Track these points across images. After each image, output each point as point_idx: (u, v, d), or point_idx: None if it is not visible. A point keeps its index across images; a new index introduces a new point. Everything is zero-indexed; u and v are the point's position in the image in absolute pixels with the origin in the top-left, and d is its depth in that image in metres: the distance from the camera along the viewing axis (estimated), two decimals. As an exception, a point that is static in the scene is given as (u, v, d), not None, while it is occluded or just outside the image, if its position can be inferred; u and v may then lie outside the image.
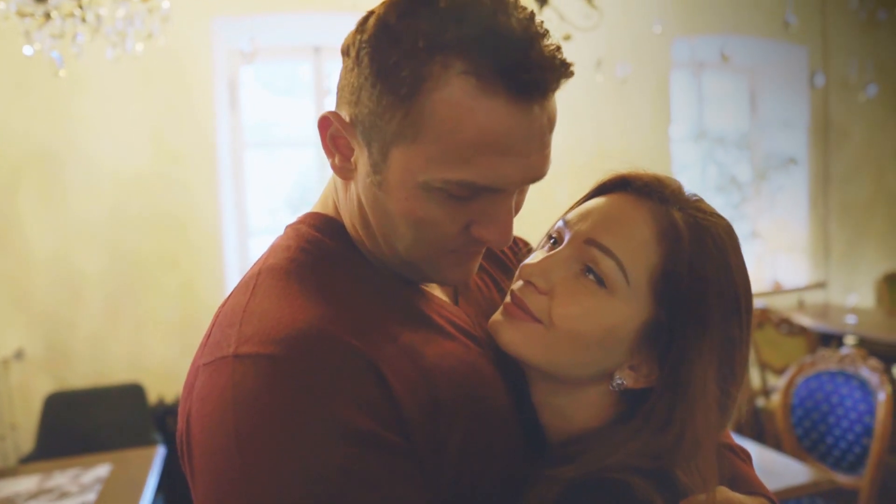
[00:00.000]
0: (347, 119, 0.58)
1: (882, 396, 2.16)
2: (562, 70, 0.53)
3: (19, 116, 2.94)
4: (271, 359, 0.52)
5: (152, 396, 3.03)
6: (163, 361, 3.09)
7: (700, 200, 0.63)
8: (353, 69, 0.56)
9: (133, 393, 2.87)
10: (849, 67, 4.07)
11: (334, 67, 3.75)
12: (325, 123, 0.59)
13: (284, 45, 3.70)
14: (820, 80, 2.91)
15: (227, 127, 3.41)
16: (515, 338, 0.62)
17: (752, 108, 4.70)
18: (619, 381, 0.61)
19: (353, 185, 0.62)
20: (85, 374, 2.99)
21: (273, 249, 0.65)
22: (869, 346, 3.13)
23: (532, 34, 0.52)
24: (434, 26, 0.52)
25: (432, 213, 0.57)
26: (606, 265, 0.59)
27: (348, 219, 0.65)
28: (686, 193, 0.63)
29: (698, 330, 0.58)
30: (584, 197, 0.67)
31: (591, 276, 0.60)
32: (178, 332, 3.11)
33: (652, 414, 0.58)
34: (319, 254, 0.63)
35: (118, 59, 1.99)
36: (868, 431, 2.18)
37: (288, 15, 3.36)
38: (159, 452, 2.33)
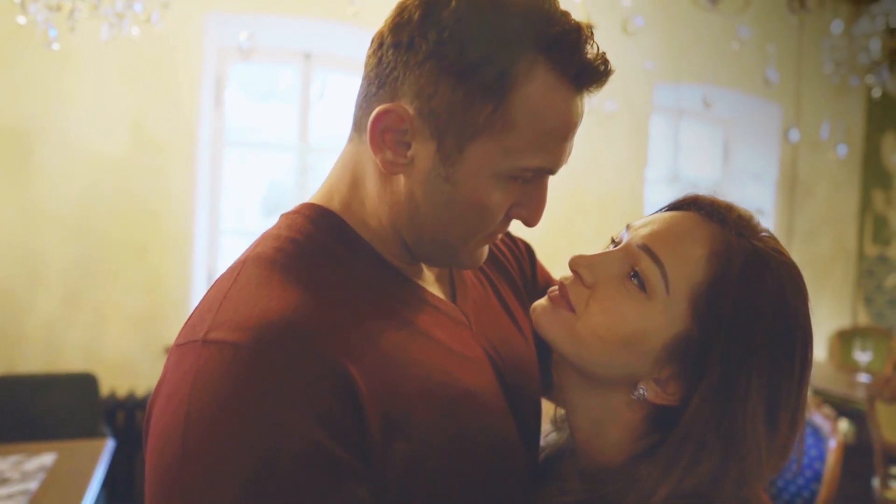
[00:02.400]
0: (412, 113, 0.58)
1: (833, 443, 2.21)
2: (609, 67, 0.59)
3: (-3, 89, 2.87)
4: (235, 347, 0.51)
5: (105, 389, 2.94)
6: (119, 354, 3.01)
7: (771, 237, 0.63)
8: (424, 63, 0.56)
9: (85, 383, 2.78)
10: (819, 127, 4.24)
11: (323, 75, 3.75)
12: (382, 118, 0.58)
13: (274, 48, 3.70)
14: (795, 136, 3.03)
15: (209, 123, 3.38)
16: (548, 322, 0.63)
17: (724, 158, 4.85)
18: (641, 391, 0.62)
19: (399, 180, 0.61)
20: (36, 359, 2.89)
21: (263, 238, 0.64)
22: (819, 398, 3.21)
23: (590, 33, 0.58)
24: (518, 24, 0.56)
25: (496, 199, 0.60)
26: (650, 270, 0.60)
27: (380, 211, 0.64)
28: (756, 225, 0.63)
29: (742, 360, 0.57)
30: (656, 211, 0.69)
31: (634, 280, 0.61)
32: (138, 325, 3.03)
33: (685, 440, 0.57)
34: (310, 246, 0.62)
35: (113, 39, 1.97)
36: (818, 477, 2.24)
37: (283, 18, 3.37)
38: (108, 446, 2.26)
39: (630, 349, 0.60)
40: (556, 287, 0.65)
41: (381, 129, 0.59)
